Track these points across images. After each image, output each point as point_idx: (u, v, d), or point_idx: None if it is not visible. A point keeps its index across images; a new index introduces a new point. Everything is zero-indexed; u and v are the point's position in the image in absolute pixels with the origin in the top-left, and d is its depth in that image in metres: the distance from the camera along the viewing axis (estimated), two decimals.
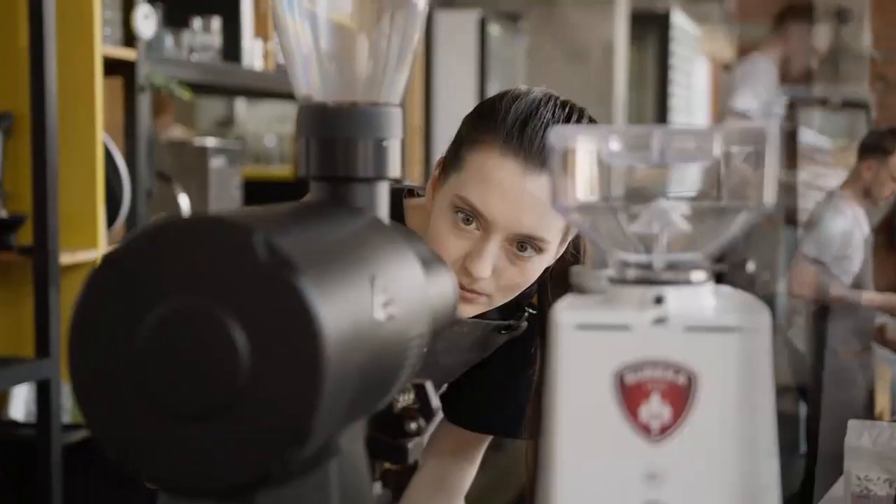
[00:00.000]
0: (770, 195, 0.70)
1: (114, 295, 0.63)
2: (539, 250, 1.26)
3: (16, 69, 2.42)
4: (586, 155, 0.72)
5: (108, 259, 0.64)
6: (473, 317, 1.36)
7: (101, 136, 2.49)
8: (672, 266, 0.72)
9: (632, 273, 0.72)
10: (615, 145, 0.72)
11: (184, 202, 2.94)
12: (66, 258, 2.40)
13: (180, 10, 3.00)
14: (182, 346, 0.62)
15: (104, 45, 2.54)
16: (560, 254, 1.34)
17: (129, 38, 2.65)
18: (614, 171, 0.73)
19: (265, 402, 0.61)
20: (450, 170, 1.28)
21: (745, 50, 9.80)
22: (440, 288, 0.86)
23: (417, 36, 0.85)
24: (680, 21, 7.32)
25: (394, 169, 0.83)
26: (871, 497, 1.94)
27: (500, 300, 1.30)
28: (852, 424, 2.02)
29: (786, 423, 4.32)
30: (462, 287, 1.26)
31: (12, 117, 2.42)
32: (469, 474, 1.48)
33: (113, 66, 2.62)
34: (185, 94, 2.75)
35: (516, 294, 1.30)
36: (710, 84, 9.31)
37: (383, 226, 0.79)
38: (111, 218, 2.59)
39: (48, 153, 2.34)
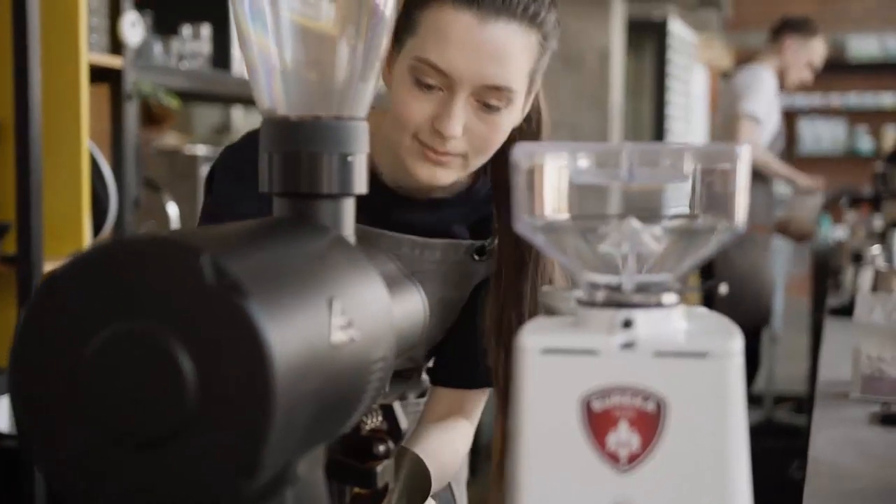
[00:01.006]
0: (742, 216, 0.67)
1: (58, 316, 0.61)
2: (507, 101, 1.23)
3: (1, 76, 2.39)
4: (553, 172, 0.70)
5: (52, 279, 0.61)
6: (445, 239, 1.34)
7: (86, 144, 2.47)
8: (642, 287, 0.69)
9: (601, 295, 0.69)
10: (583, 163, 0.69)
11: (172, 210, 2.91)
12: (50, 267, 2.37)
13: (170, 17, 2.98)
14: (127, 371, 0.59)
15: (91, 53, 2.52)
16: (527, 109, 1.31)
17: (117, 46, 2.62)
18: (583, 189, 0.71)
19: (212, 432, 0.58)
20: (402, 35, 1.25)
21: (742, 58, 9.80)
22: (406, 306, 0.83)
23: (384, 45, 0.83)
24: (677, 29, 7.30)
25: (360, 185, 0.81)
26: (885, 378, 1.83)
27: (476, 161, 1.27)
28: (862, 298, 1.92)
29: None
30: (435, 150, 1.24)
31: None
32: (468, 434, 1.43)
33: (100, 74, 2.59)
34: (173, 103, 2.72)
35: (490, 153, 1.27)
36: (707, 91, 9.29)
37: (346, 244, 0.76)
38: (98, 226, 2.56)
39: (32, 161, 2.31)
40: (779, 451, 4.47)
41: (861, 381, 1.86)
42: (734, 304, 4.14)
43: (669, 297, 0.69)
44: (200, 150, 3.12)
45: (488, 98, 1.22)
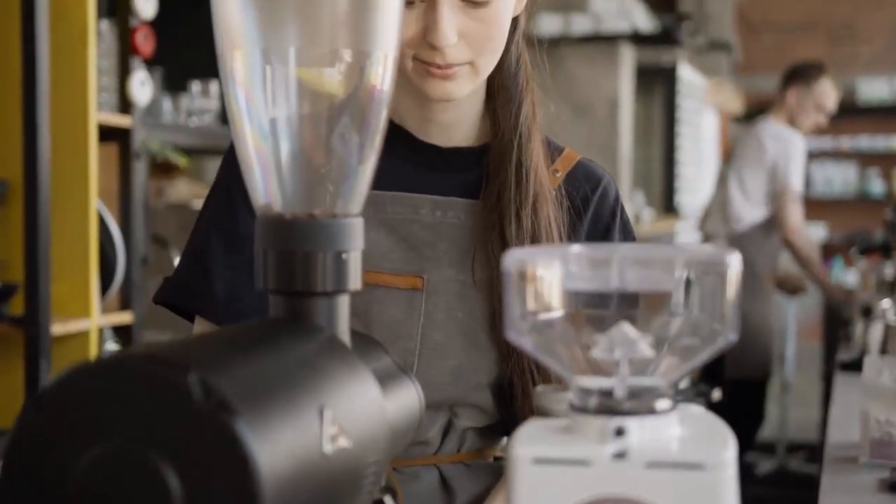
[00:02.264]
0: (733, 326, 0.67)
1: (45, 436, 0.60)
2: None
3: (10, 137, 2.41)
4: (544, 278, 0.69)
5: (40, 396, 0.61)
6: (469, 199, 1.24)
7: (94, 204, 2.48)
8: (635, 393, 0.69)
9: (593, 402, 0.69)
10: (574, 268, 0.69)
11: None
12: (58, 328, 2.38)
13: (179, 74, 3.00)
14: (115, 490, 0.59)
15: (100, 112, 2.53)
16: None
17: (126, 105, 2.64)
18: (574, 293, 0.70)
19: None
20: None
21: (752, 101, 9.82)
22: (401, 402, 0.83)
23: (378, 140, 0.83)
24: (686, 74, 7.32)
25: (354, 281, 0.81)
26: (894, 443, 1.80)
27: (485, 63, 1.18)
28: (869, 360, 1.89)
29: None
30: (437, 66, 1.16)
31: (6, 185, 2.41)
32: None
33: (109, 133, 2.61)
34: (181, 161, 2.74)
35: (497, 52, 1.18)
36: (718, 135, 9.30)
37: (339, 345, 0.76)
38: (105, 286, 2.57)
39: (40, 222, 2.32)
40: (791, 500, 4.44)
41: (870, 445, 1.84)
42: (741, 355, 4.12)
43: (662, 404, 0.68)
44: None
45: None
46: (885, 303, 3.12)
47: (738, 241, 4.47)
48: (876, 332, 2.92)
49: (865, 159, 9.99)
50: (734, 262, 0.67)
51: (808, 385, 6.12)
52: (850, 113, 9.88)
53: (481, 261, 1.21)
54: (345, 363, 0.74)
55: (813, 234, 10.01)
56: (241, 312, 1.20)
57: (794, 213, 4.34)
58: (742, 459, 4.84)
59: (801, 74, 4.53)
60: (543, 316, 0.70)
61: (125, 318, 2.68)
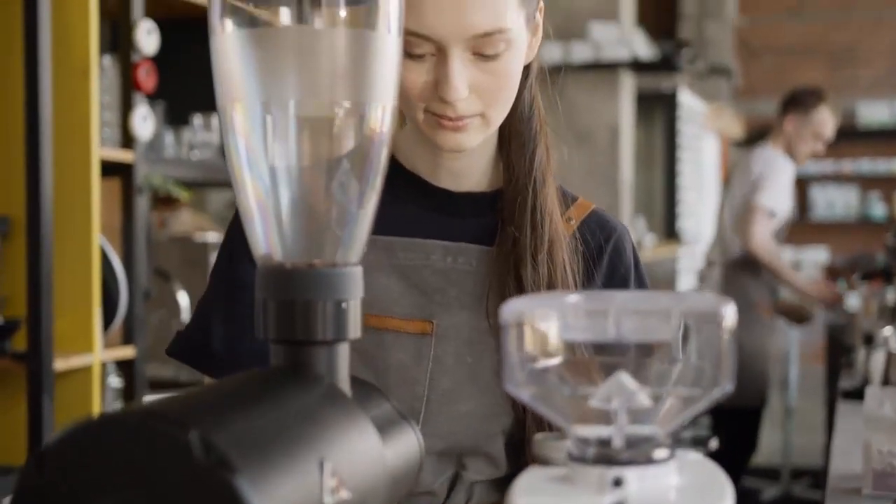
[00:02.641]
0: (728, 377, 0.68)
1: (47, 492, 0.61)
2: (505, 44, 1.13)
3: (13, 173, 2.42)
4: (541, 329, 0.70)
5: (41, 455, 0.62)
6: (480, 245, 1.23)
7: (97, 239, 2.49)
8: (633, 443, 0.69)
9: (591, 451, 0.69)
10: (571, 319, 0.70)
11: (183, 300, 2.93)
12: (60, 364, 2.38)
13: (181, 108, 3.02)
14: None
15: (102, 148, 2.55)
16: (537, 44, 1.23)
17: (128, 140, 2.65)
18: (572, 344, 0.71)
19: None
20: None
21: (753, 125, 9.85)
22: (401, 449, 0.83)
23: (377, 188, 0.84)
24: (687, 99, 7.35)
25: (354, 330, 0.82)
26: None
27: (496, 115, 1.17)
28: (871, 392, 1.89)
29: None
30: (449, 118, 1.15)
31: (8, 221, 2.42)
32: None
33: (111, 168, 2.62)
34: (183, 195, 2.75)
35: (508, 103, 1.17)
36: (719, 160, 9.32)
37: (339, 394, 0.77)
38: (108, 321, 2.57)
39: (43, 257, 2.33)
40: None
41: (872, 476, 1.84)
42: (736, 383, 4.09)
43: (660, 453, 0.69)
44: (211, 237, 3.14)
45: (483, 48, 1.12)
46: (887, 330, 3.12)
47: (732, 268, 4.49)
48: (878, 361, 2.92)
49: (867, 182, 10.01)
50: (729, 313, 0.68)
51: (812, 409, 6.11)
52: (851, 136, 9.91)
53: (496, 306, 1.21)
54: (344, 413, 0.75)
55: (815, 257, 10.03)
56: (238, 365, 1.20)
57: (757, 227, 4.33)
58: (744, 486, 4.82)
59: (798, 101, 4.54)
60: (541, 366, 0.71)
61: (128, 352, 2.68)
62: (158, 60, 2.75)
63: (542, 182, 1.23)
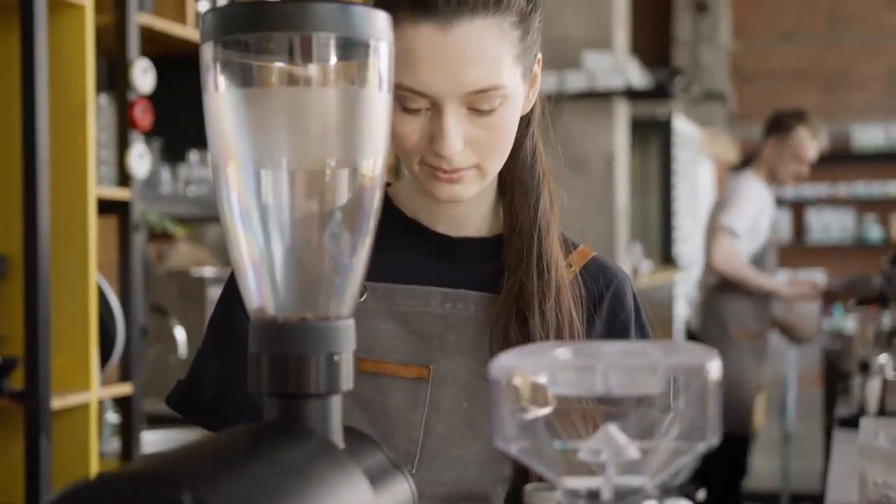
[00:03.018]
0: (714, 429, 0.69)
1: None
2: (501, 99, 1.14)
3: (10, 212, 2.43)
4: (530, 384, 0.71)
5: None
6: (480, 292, 1.23)
7: (94, 278, 2.50)
8: (621, 494, 0.70)
9: (581, 503, 0.70)
10: (560, 375, 0.71)
11: (180, 335, 2.93)
12: (57, 402, 2.39)
13: (178, 144, 3.04)
14: None
15: (99, 186, 2.56)
16: (534, 96, 1.23)
17: (125, 178, 2.67)
18: (562, 398, 0.72)
19: None
20: None
21: (747, 150, 9.89)
22: (393, 500, 0.84)
23: (368, 240, 0.85)
24: (681, 125, 7.38)
25: (346, 382, 0.83)
26: None
27: (492, 167, 1.18)
28: (865, 423, 1.89)
29: None
30: (444, 171, 1.16)
31: (6, 260, 2.43)
32: None
33: (108, 205, 2.64)
34: (179, 232, 2.77)
35: (503, 155, 1.18)
36: (714, 184, 9.36)
37: (331, 447, 0.78)
38: (105, 358, 2.58)
39: (40, 297, 2.34)
40: None
41: None
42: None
43: None
44: (208, 272, 3.15)
45: (479, 103, 1.13)
46: (883, 357, 3.12)
47: (710, 293, 4.50)
48: (874, 388, 2.92)
49: (862, 206, 10.04)
50: (714, 368, 0.69)
51: (811, 433, 6.11)
52: (846, 160, 9.95)
53: (499, 353, 1.21)
54: (337, 466, 0.76)
55: (811, 280, 10.03)
56: (229, 417, 1.21)
57: (717, 245, 4.32)
58: None
59: (777, 124, 4.54)
60: (530, 419, 0.72)
61: (125, 389, 2.69)
62: (154, 97, 2.77)
63: (547, 229, 1.24)
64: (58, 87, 2.45)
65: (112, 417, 2.77)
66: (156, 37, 2.83)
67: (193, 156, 3.06)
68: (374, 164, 0.83)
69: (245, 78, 0.82)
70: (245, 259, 0.83)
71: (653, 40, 9.65)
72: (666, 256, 7.28)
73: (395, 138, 1.16)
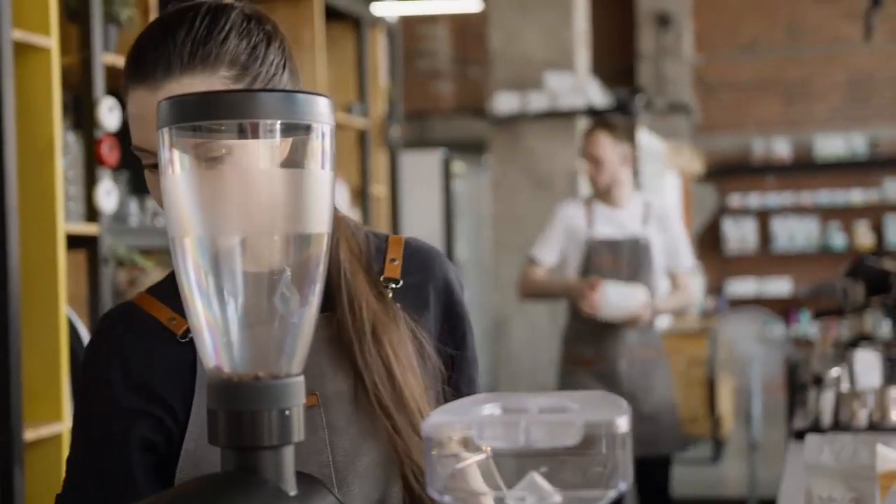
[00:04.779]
0: (623, 477, 0.77)
1: None
2: (227, 149, 1.11)
3: None
4: (459, 439, 0.79)
5: None
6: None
7: (64, 311, 2.56)
8: None
9: None
10: (487, 431, 0.79)
11: None
12: (30, 434, 2.44)
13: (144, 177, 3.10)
14: None
15: (68, 222, 2.62)
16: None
17: (93, 213, 2.73)
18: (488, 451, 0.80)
19: None
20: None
21: (712, 161, 10.02)
22: None
23: (315, 304, 0.92)
24: (646, 140, 7.48)
25: (298, 433, 0.90)
26: None
27: None
28: (810, 439, 1.96)
29: None
30: None
31: None
32: None
33: (77, 240, 2.70)
34: (147, 265, 2.83)
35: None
36: (681, 196, 9.48)
37: (284, 496, 0.85)
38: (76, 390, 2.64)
39: (11, 331, 2.40)
40: None
41: None
42: (639, 434, 3.80)
43: None
44: None
45: (208, 152, 1.11)
46: (836, 371, 3.20)
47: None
48: (827, 401, 3.00)
49: (826, 213, 10.20)
50: (623, 422, 0.77)
51: (777, 440, 6.21)
52: (809, 169, 10.12)
53: (347, 372, 1.26)
54: None
55: (778, 288, 10.19)
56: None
57: (522, 276, 4.21)
58: None
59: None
60: (460, 471, 0.80)
61: None
62: (121, 131, 2.83)
63: (351, 272, 1.27)
64: (26, 126, 2.51)
65: None
66: (120, 73, 2.89)
67: None
68: (319, 233, 0.91)
69: (198, 161, 0.89)
70: (202, 322, 0.90)
71: (617, 54, 9.77)
72: None
73: (154, 196, 1.21)
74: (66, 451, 2.58)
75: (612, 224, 4.17)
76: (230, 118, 0.87)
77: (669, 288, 4.22)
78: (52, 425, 2.53)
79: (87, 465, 1.25)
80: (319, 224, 0.90)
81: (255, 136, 0.87)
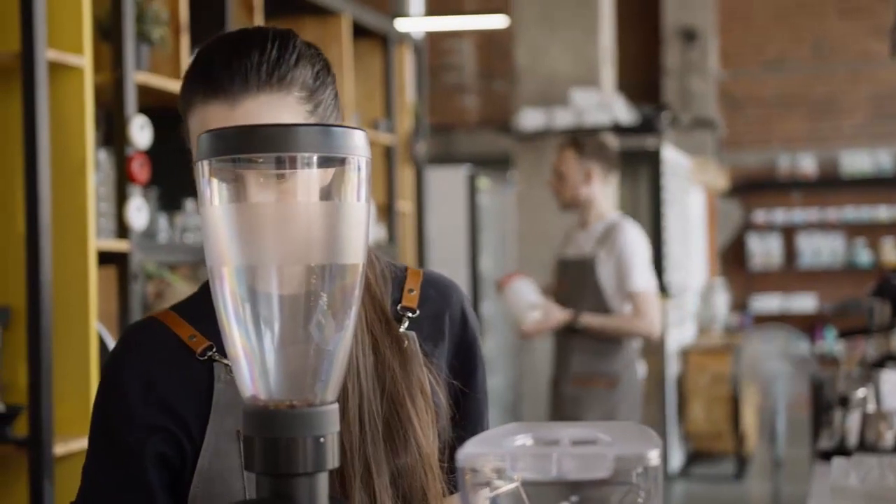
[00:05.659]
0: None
1: None
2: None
3: (13, 264, 2.52)
4: (492, 470, 0.80)
5: None
6: None
7: (94, 326, 2.59)
8: None
9: None
10: (520, 462, 0.80)
11: None
12: (60, 448, 2.47)
13: (175, 193, 3.13)
14: None
15: (99, 239, 2.65)
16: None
17: (123, 230, 2.76)
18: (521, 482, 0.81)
19: None
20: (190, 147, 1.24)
21: (737, 176, 10.00)
22: None
23: (350, 331, 0.94)
24: (671, 155, 7.48)
25: (332, 461, 0.92)
26: None
27: None
28: (837, 462, 1.97)
29: None
30: None
31: (9, 311, 2.52)
32: None
33: (107, 257, 2.73)
34: (175, 281, 2.86)
35: None
36: (706, 212, 9.46)
37: None
38: None
39: (43, 347, 2.43)
40: None
41: None
42: None
43: None
44: None
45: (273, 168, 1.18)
46: (862, 392, 3.19)
47: None
48: (853, 422, 2.99)
49: (852, 230, 10.15)
50: (654, 456, 0.78)
51: (802, 458, 6.19)
52: (835, 185, 10.07)
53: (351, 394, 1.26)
54: None
55: (803, 304, 10.14)
56: None
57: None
58: None
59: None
60: (494, 500, 0.81)
61: None
62: (152, 148, 2.87)
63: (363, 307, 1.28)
64: (59, 144, 2.55)
65: None
66: (152, 91, 2.93)
67: (190, 204, 3.15)
68: (354, 263, 0.92)
69: (236, 193, 0.91)
70: (239, 351, 0.92)
71: (642, 70, 9.77)
72: (657, 285, 7.35)
73: None
74: None
75: (573, 245, 4.15)
76: (268, 151, 0.89)
77: (631, 311, 4.01)
78: (82, 439, 2.55)
79: (102, 475, 1.26)
80: (355, 255, 0.91)
81: (293, 168, 0.89)
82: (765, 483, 6.06)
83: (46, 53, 2.48)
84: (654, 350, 6.99)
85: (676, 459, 6.78)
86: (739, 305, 10.07)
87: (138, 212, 2.74)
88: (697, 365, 7.31)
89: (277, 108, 1.21)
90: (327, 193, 0.90)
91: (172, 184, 3.09)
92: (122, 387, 1.25)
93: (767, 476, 5.92)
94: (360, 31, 4.33)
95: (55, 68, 2.55)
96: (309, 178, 0.89)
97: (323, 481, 0.91)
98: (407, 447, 1.24)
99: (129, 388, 1.25)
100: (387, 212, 4.52)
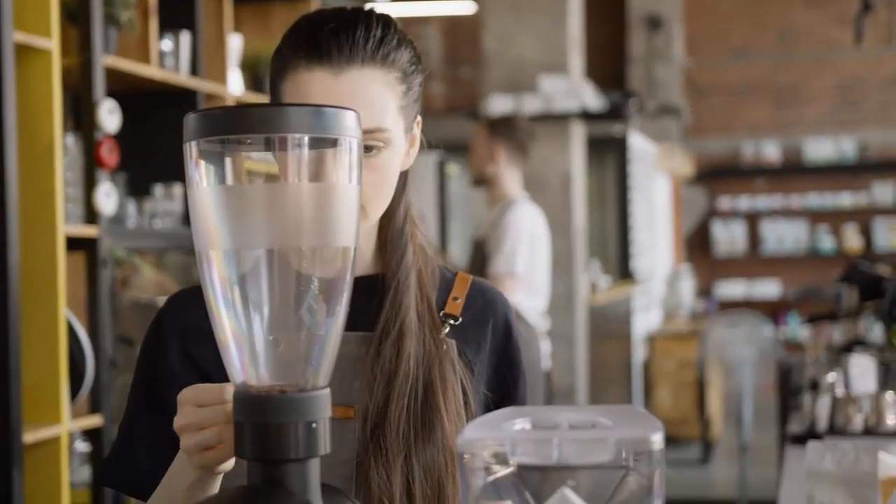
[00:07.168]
0: (659, 494, 0.77)
1: None
2: (385, 142, 1.22)
3: None
4: (492, 455, 0.79)
5: None
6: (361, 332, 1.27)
7: (63, 313, 2.55)
8: None
9: None
10: (519, 447, 0.79)
11: None
12: (29, 436, 2.44)
13: (143, 179, 3.09)
14: None
15: (67, 224, 2.61)
16: (414, 153, 1.31)
17: (91, 215, 2.72)
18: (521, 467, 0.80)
19: None
20: None
21: (702, 163, 10.04)
22: None
23: (341, 317, 0.92)
24: (637, 142, 7.50)
25: (324, 446, 0.90)
26: None
27: (374, 210, 1.25)
28: (812, 446, 1.97)
29: None
30: None
31: None
32: None
33: (76, 242, 2.69)
34: (145, 267, 2.82)
35: (385, 199, 1.25)
36: (671, 199, 9.50)
37: None
38: (75, 391, 2.63)
39: (10, 333, 2.39)
40: None
41: None
42: None
43: None
44: None
45: (364, 140, 1.15)
46: (831, 376, 3.21)
47: None
48: (823, 406, 3.01)
49: (815, 217, 10.22)
50: (657, 440, 0.77)
51: (768, 442, 6.23)
52: (799, 172, 10.14)
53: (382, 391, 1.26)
54: None
55: (766, 290, 10.23)
56: None
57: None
58: None
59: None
60: (493, 488, 0.80)
61: (95, 420, 2.74)
62: (120, 133, 2.83)
63: (406, 284, 1.29)
64: (26, 129, 2.50)
65: (82, 446, 2.81)
66: (120, 75, 2.89)
67: (158, 190, 3.12)
68: (346, 245, 0.91)
69: (225, 174, 0.89)
70: (228, 336, 0.90)
71: (608, 57, 9.78)
72: (624, 271, 7.38)
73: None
74: (64, 454, 2.58)
75: (481, 226, 4.23)
76: (258, 132, 0.87)
77: None
78: (52, 427, 2.52)
79: (138, 427, 1.28)
80: (347, 238, 0.90)
81: (283, 149, 0.87)
82: (731, 467, 6.10)
83: (13, 36, 2.43)
84: (620, 337, 7.02)
85: None
86: (704, 291, 10.12)
87: (107, 197, 2.71)
88: (663, 351, 7.35)
89: (379, 83, 1.23)
90: (318, 175, 0.89)
91: (141, 169, 3.06)
92: (161, 345, 1.28)
93: (733, 460, 5.96)
94: None
95: (22, 51, 2.50)
96: (300, 160, 0.87)
97: (314, 467, 0.89)
98: (433, 439, 1.23)
99: (168, 346, 1.27)
100: None
